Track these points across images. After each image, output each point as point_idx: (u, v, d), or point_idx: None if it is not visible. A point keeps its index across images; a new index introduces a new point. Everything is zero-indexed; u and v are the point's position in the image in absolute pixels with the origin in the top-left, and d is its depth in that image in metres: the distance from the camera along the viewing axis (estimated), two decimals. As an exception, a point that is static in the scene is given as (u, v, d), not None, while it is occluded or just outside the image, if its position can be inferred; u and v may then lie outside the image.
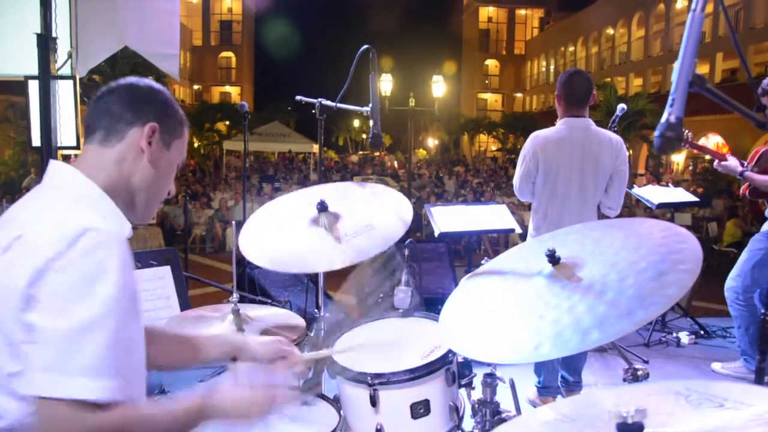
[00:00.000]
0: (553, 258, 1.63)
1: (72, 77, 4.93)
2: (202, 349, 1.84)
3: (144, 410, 1.41)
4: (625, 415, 1.00)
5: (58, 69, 4.78)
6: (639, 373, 1.69)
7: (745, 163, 4.59)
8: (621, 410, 1.00)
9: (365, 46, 2.65)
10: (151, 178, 1.58)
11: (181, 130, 1.64)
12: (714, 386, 1.14)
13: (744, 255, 4.54)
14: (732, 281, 4.56)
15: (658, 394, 1.14)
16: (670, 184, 6.78)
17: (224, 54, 54.06)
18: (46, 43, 3.90)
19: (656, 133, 1.21)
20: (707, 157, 4.66)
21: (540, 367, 4.03)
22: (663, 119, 1.21)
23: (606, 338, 1.36)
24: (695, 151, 4.64)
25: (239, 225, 2.44)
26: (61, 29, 4.65)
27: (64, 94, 4.71)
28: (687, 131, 4.40)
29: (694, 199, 6.47)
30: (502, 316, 1.65)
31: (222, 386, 1.56)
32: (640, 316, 1.38)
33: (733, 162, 4.53)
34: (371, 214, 2.40)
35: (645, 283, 1.46)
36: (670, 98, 1.22)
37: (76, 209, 1.41)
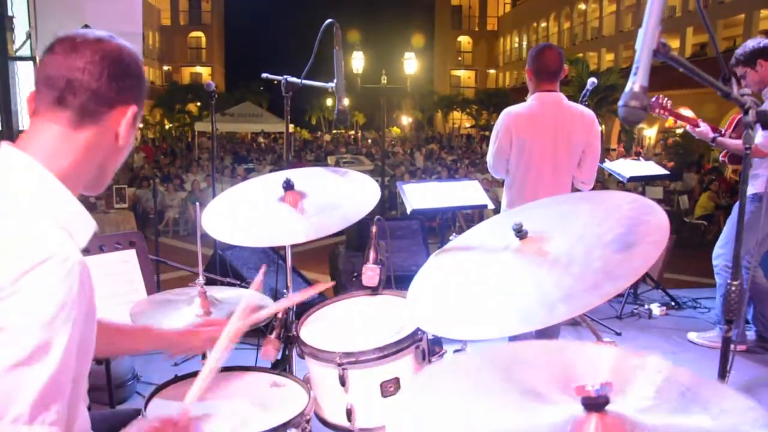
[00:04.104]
0: (519, 232, 1.61)
1: (32, 58, 4.79)
2: (136, 340, 1.88)
3: None
4: (590, 389, 0.99)
5: (17, 50, 4.64)
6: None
7: (723, 130, 4.63)
8: (587, 384, 0.99)
9: (328, 21, 2.60)
10: (119, 158, 1.44)
11: (145, 99, 1.44)
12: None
13: (729, 222, 4.60)
14: (720, 249, 4.60)
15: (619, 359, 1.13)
16: (641, 158, 6.80)
17: (194, 34, 53.17)
18: (2, 22, 3.77)
19: (620, 102, 1.19)
20: (678, 130, 4.71)
21: (514, 341, 4.05)
22: (627, 88, 1.19)
23: (573, 312, 1.35)
24: (672, 118, 4.66)
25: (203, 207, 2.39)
26: (19, 8, 4.51)
27: (24, 76, 4.58)
28: (665, 98, 4.41)
29: (665, 172, 6.51)
30: (469, 292, 1.63)
31: None
32: (607, 289, 1.36)
33: (705, 128, 4.57)
34: (337, 193, 2.37)
35: (611, 255, 1.44)
36: (634, 67, 1.20)
37: (33, 227, 1.20)
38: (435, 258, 1.97)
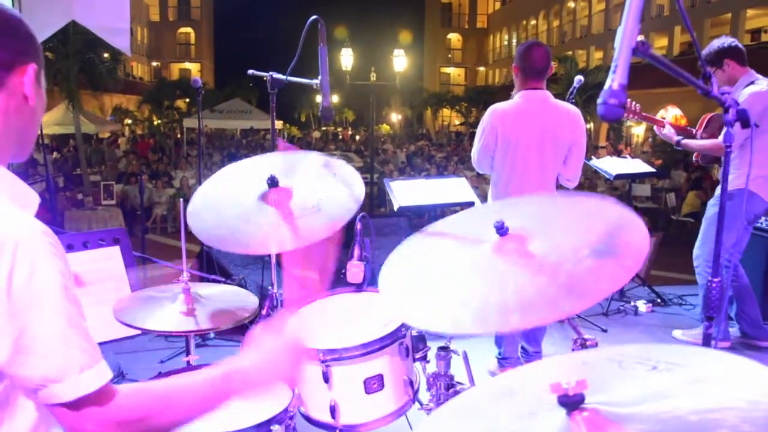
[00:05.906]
0: (501, 229, 1.60)
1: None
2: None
3: (160, 387, 1.27)
4: (566, 387, 0.99)
5: (2, 45, 4.58)
6: (588, 343, 1.70)
7: (694, 130, 4.66)
8: (562, 382, 0.99)
9: (313, 17, 2.59)
10: (35, 119, 1.38)
11: (42, 57, 1.39)
12: (645, 349, 1.15)
13: (704, 222, 4.63)
14: (698, 250, 4.64)
15: (593, 362, 1.14)
16: (628, 156, 6.85)
17: (183, 30, 52.86)
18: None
19: (599, 100, 1.19)
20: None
21: (500, 338, 4.06)
22: (606, 86, 1.19)
23: (525, 323, 1.34)
24: (642, 121, 4.70)
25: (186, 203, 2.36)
26: (4, 3, 4.46)
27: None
28: (635, 103, 4.44)
29: (651, 170, 6.55)
30: (437, 280, 1.62)
31: (243, 354, 1.43)
32: (566, 307, 1.35)
33: (669, 131, 4.60)
34: (322, 190, 2.33)
35: (583, 269, 1.41)
36: (612, 65, 1.21)
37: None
38: (414, 240, 1.89)
